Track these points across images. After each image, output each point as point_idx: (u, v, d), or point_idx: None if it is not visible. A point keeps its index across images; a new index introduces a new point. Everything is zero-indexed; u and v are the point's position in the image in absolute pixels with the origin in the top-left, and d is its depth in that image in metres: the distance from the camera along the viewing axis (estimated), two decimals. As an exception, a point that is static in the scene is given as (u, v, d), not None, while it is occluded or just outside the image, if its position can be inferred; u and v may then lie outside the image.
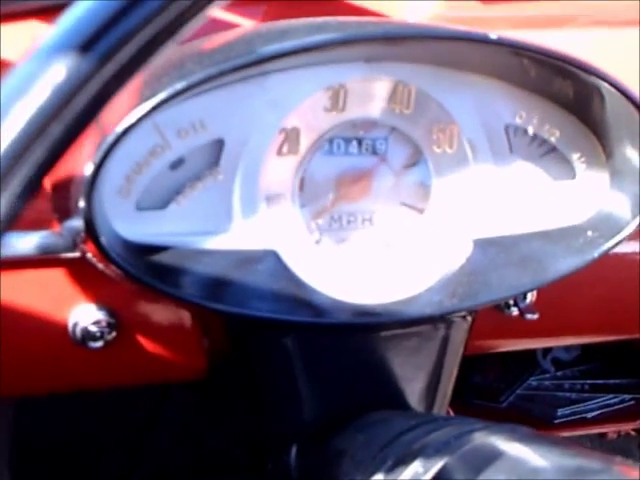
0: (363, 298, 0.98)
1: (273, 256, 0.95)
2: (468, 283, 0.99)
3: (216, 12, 1.01)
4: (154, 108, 0.80)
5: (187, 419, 1.78)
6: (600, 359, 1.75)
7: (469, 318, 1.03)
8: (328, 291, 0.96)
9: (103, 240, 0.82)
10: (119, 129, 0.79)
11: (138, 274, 0.86)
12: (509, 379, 1.70)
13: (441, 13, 1.11)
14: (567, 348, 1.73)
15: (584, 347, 1.74)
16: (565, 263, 1.00)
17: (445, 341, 1.03)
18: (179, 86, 0.80)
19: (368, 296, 0.98)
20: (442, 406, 1.06)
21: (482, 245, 1.02)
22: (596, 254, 1.01)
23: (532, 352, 1.72)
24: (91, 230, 0.81)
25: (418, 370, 1.03)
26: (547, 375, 1.73)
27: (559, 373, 1.73)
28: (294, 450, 1.03)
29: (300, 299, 0.94)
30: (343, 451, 0.92)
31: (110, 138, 0.79)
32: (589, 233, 1.03)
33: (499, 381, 1.71)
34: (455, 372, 1.06)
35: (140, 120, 0.80)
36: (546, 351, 1.72)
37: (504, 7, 1.16)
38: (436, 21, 1.06)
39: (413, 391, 1.04)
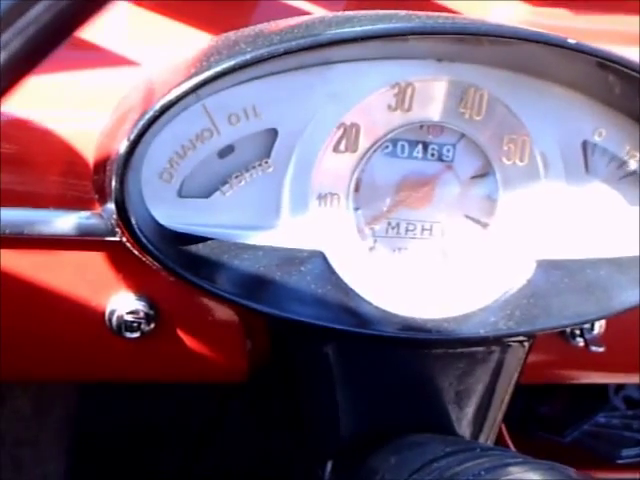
0: (413, 311, 0.92)
1: (320, 258, 0.89)
2: (527, 306, 0.93)
3: (296, 3, 0.97)
4: (196, 87, 0.75)
5: (251, 419, 1.74)
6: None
7: (526, 344, 0.96)
8: (376, 300, 0.91)
9: (134, 224, 0.78)
10: (157, 106, 0.74)
11: (171, 264, 0.81)
12: (577, 413, 1.63)
13: (527, 19, 1.04)
14: (640, 386, 1.66)
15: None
16: (633, 295, 0.94)
17: (499, 366, 0.96)
18: (225, 65, 0.75)
19: (419, 310, 0.92)
20: (490, 434, 1.00)
21: (546, 267, 0.95)
22: (669, 288, 0.92)
23: (604, 387, 1.65)
24: (122, 212, 0.77)
25: (466, 394, 0.97)
26: (617, 413, 1.65)
27: (630, 412, 1.65)
28: (329, 466, 0.97)
29: (345, 306, 0.89)
30: (375, 472, 0.86)
31: (148, 115, 0.74)
32: (663, 264, 0.95)
33: (566, 414, 1.63)
34: (507, 400, 0.99)
35: (180, 99, 0.75)
36: (619, 387, 1.65)
37: (598, 20, 1.09)
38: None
39: (459, 416, 0.97)
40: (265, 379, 1.02)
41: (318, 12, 1.00)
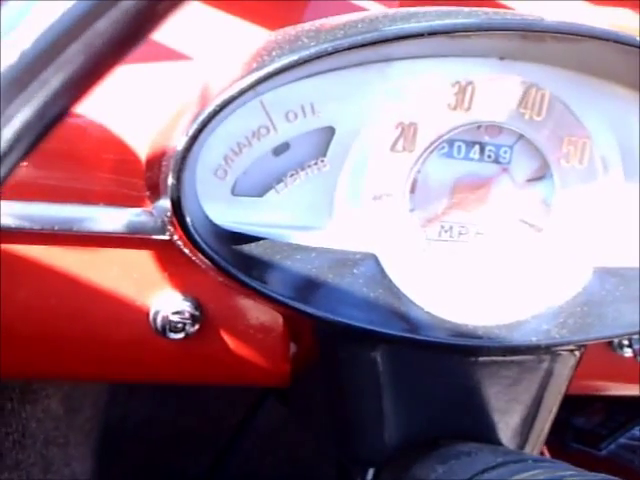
0: (464, 317, 0.89)
1: (372, 261, 0.87)
2: (581, 314, 0.90)
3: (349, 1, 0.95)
4: (258, 82, 0.73)
5: (280, 426, 1.72)
6: None
7: (577, 353, 0.94)
8: (427, 305, 0.88)
9: (189, 222, 0.76)
10: (218, 101, 0.71)
11: (223, 263, 0.79)
12: (614, 426, 1.60)
13: (586, 17, 1.02)
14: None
15: None
16: (688, 306, 0.90)
17: (548, 375, 0.94)
18: (287, 60, 0.72)
19: (470, 316, 0.90)
20: (536, 445, 0.97)
21: (601, 275, 0.92)
22: None
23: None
24: (178, 210, 0.74)
25: (514, 403, 0.94)
26: (655, 427, 1.64)
27: (668, 426, 1.63)
28: (371, 474, 0.95)
29: (395, 311, 0.87)
30: (420, 482, 0.83)
31: (208, 110, 0.72)
32: None
33: (603, 427, 1.61)
34: (555, 410, 0.97)
35: (242, 94, 0.73)
36: (657, 400, 1.63)
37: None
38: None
39: (506, 425, 0.95)
40: (302, 385, 0.99)
41: (374, 9, 0.97)
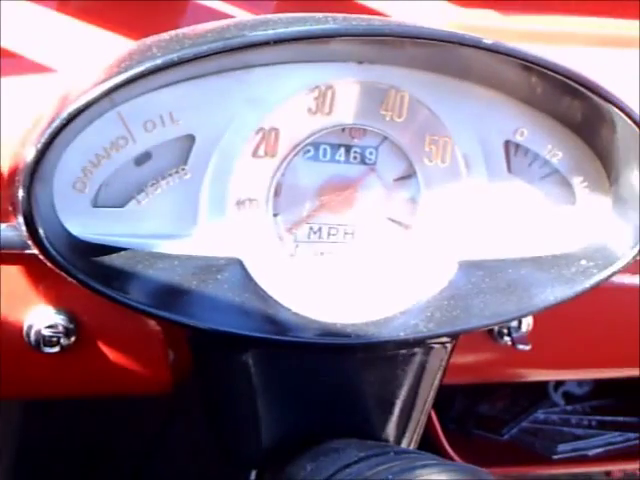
0: (333, 316, 0.91)
1: (237, 266, 0.88)
2: (448, 308, 0.92)
3: (224, 7, 0.95)
4: (107, 94, 0.73)
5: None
6: (613, 395, 1.70)
7: (448, 345, 0.96)
8: (295, 307, 0.90)
9: (42, 235, 0.76)
10: (65, 113, 0.72)
11: (81, 276, 0.79)
12: (516, 411, 1.64)
13: (454, 20, 1.03)
14: (580, 382, 1.67)
15: (597, 382, 1.68)
16: (554, 292, 0.93)
17: (421, 368, 0.96)
18: (134, 71, 0.73)
19: (339, 315, 0.91)
20: (413, 437, 0.99)
21: (467, 268, 0.95)
22: (588, 285, 0.94)
23: (544, 384, 1.66)
24: (30, 224, 0.75)
25: (389, 398, 0.96)
26: (556, 409, 1.67)
27: (569, 407, 1.68)
28: (253, 475, 0.96)
29: (263, 314, 0.88)
30: (292, 480, 0.85)
31: (56, 123, 0.72)
32: (583, 262, 0.95)
33: (506, 412, 1.65)
34: (430, 402, 0.99)
35: (90, 105, 0.73)
36: (558, 384, 1.67)
37: (526, 20, 1.08)
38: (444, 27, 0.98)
39: (382, 420, 0.97)
40: (184, 391, 1.00)
41: (245, 15, 0.98)
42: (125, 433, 1.65)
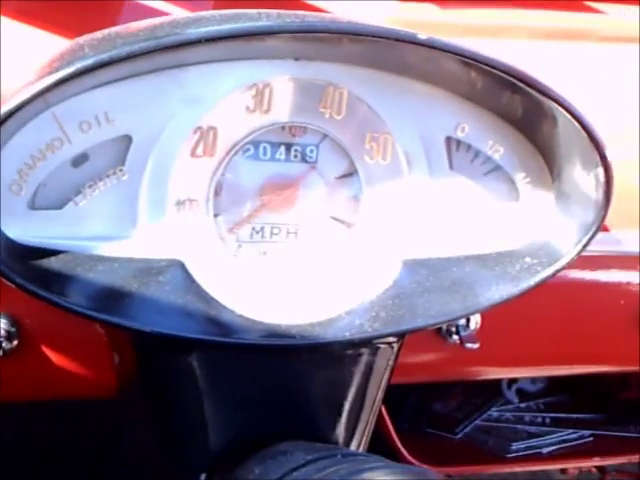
0: (278, 317, 0.90)
1: (178, 267, 0.87)
2: (393, 307, 0.91)
3: (162, 5, 0.94)
4: (38, 95, 0.72)
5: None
6: (567, 391, 1.70)
7: (395, 345, 0.95)
8: (239, 308, 0.89)
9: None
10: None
11: (18, 279, 0.78)
12: (470, 409, 1.64)
13: (395, 15, 1.03)
14: (533, 379, 1.67)
15: (551, 379, 1.68)
16: (498, 290, 0.93)
17: (368, 369, 0.95)
18: (65, 72, 0.72)
19: (284, 316, 0.90)
20: (363, 438, 0.98)
21: (411, 267, 0.94)
22: (532, 282, 0.93)
23: (497, 381, 1.66)
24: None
25: (337, 399, 0.96)
26: (510, 406, 1.67)
27: (522, 405, 1.67)
28: (203, 479, 0.95)
29: (206, 315, 0.87)
30: (240, 484, 0.84)
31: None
32: (527, 259, 0.95)
33: (459, 410, 1.65)
34: (379, 402, 0.98)
35: (21, 107, 0.71)
36: (511, 381, 1.67)
37: (465, 13, 1.08)
38: (387, 23, 0.97)
39: (330, 421, 0.96)
40: (130, 394, 0.99)
41: (181, 13, 0.97)
42: (78, 434, 1.63)
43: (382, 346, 0.95)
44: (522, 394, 1.68)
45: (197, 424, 0.93)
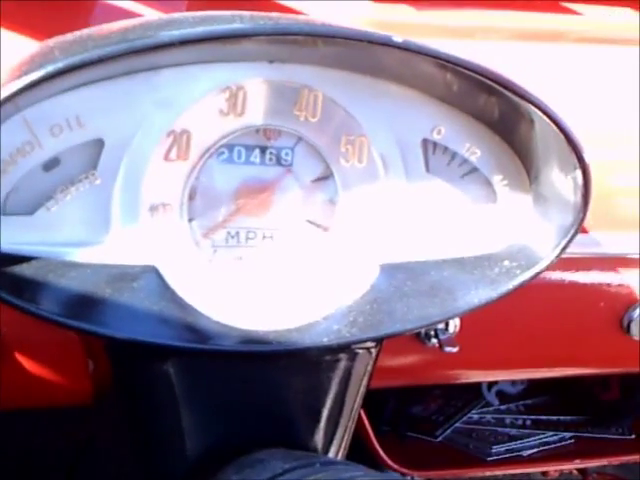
0: (254, 324, 0.89)
1: (153, 273, 0.86)
2: (371, 312, 0.90)
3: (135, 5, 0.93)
4: (7, 100, 0.70)
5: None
6: (547, 393, 1.70)
7: (373, 350, 0.94)
8: (215, 314, 0.88)
9: None
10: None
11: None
12: (450, 412, 1.63)
13: (370, 16, 1.02)
14: (513, 381, 1.66)
15: (531, 380, 1.68)
16: (477, 294, 0.92)
17: (347, 374, 0.94)
18: (34, 76, 0.71)
19: (260, 322, 0.89)
20: (342, 444, 0.97)
21: (389, 271, 0.93)
22: (511, 286, 0.92)
23: (477, 384, 1.65)
24: None
25: (315, 405, 0.95)
26: (490, 409, 1.66)
27: (503, 407, 1.66)
28: None
29: (181, 322, 0.85)
30: (217, 494, 0.82)
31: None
32: (506, 263, 0.94)
33: (440, 413, 1.64)
34: (357, 408, 0.97)
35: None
36: (491, 383, 1.66)
37: (441, 14, 1.08)
38: (361, 24, 0.97)
39: (309, 428, 0.95)
40: (106, 402, 0.98)
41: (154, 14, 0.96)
42: (53, 441, 1.62)
43: (360, 351, 0.94)
44: (503, 396, 1.67)
45: (173, 431, 0.92)
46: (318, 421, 0.96)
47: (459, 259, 0.97)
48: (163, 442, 0.93)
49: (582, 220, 0.92)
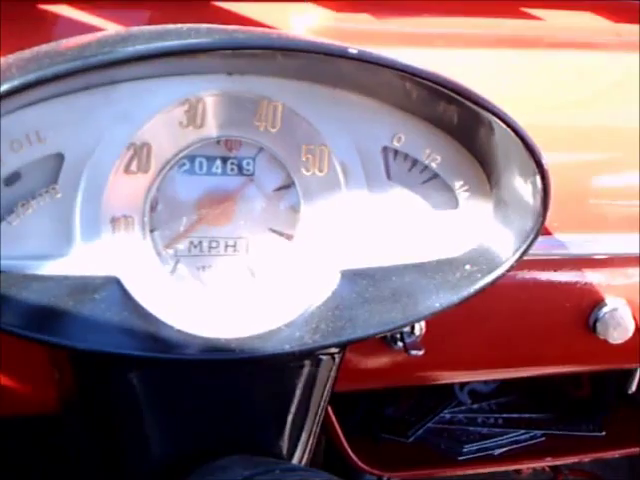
0: (217, 332, 0.90)
1: (115, 284, 0.86)
2: (333, 318, 0.92)
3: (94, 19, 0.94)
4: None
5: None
6: (518, 392, 1.71)
7: (337, 356, 0.95)
8: (177, 323, 0.89)
9: None
10: None
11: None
12: (422, 412, 1.64)
13: (330, 25, 1.03)
14: (485, 381, 1.67)
15: (503, 380, 1.67)
16: (438, 299, 0.93)
17: (311, 380, 0.96)
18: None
19: (223, 330, 0.90)
20: (307, 448, 0.99)
21: (350, 277, 0.94)
22: (472, 290, 0.94)
23: (449, 384, 1.66)
24: None
25: (279, 411, 0.96)
26: (462, 408, 1.67)
27: (475, 406, 1.67)
28: None
29: (144, 332, 0.86)
30: (179, 500, 0.83)
31: None
32: (467, 267, 0.95)
33: (412, 414, 1.65)
34: (322, 413, 0.98)
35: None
36: (464, 383, 1.66)
37: (402, 22, 1.08)
38: (322, 34, 0.97)
39: (274, 434, 0.96)
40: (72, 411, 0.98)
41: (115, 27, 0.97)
42: (21, 449, 1.62)
43: (324, 357, 0.96)
44: (475, 395, 1.68)
45: (138, 440, 0.93)
46: (283, 426, 0.97)
47: (420, 264, 0.98)
48: (127, 450, 0.94)
49: (542, 224, 0.93)
